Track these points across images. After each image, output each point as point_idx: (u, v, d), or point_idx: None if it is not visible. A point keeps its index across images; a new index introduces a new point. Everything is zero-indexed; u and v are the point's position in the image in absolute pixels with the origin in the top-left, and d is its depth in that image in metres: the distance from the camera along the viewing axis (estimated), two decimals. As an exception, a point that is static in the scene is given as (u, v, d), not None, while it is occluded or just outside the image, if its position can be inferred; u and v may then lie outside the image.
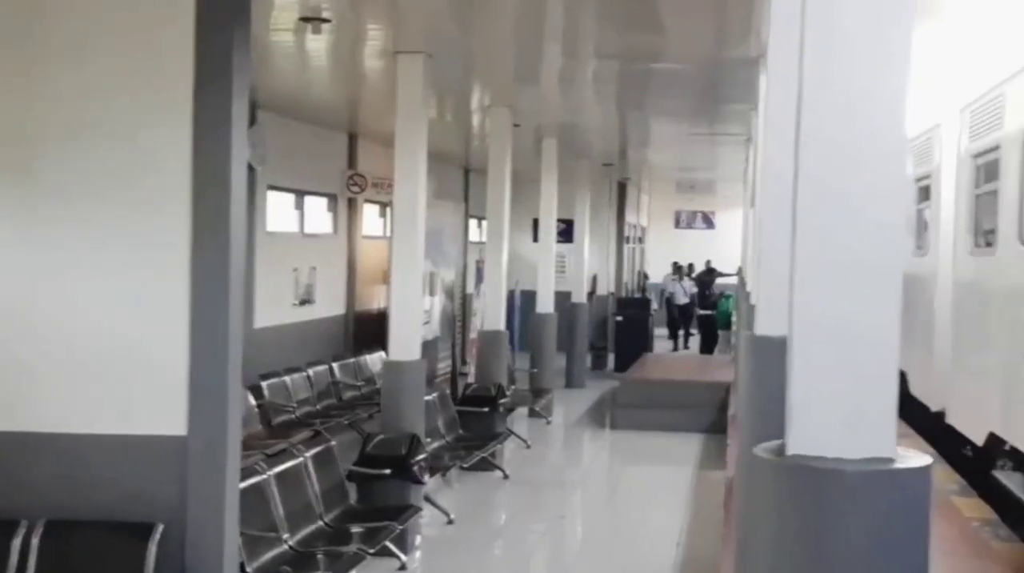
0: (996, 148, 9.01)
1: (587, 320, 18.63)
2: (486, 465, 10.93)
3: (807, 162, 2.74)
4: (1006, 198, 8.68)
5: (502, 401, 11.53)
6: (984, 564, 6.74)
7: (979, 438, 9.06)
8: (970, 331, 9.81)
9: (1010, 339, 7.91)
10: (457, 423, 11.18)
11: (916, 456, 2.81)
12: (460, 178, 21.00)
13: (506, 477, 10.99)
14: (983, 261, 9.37)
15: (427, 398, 10.29)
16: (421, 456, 8.34)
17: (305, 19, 7.73)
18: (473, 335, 21.02)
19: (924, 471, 2.75)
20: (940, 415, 10.67)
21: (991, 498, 8.13)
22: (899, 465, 2.74)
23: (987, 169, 9.58)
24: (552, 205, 15.69)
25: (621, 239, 24.82)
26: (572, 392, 17.28)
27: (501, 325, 11.93)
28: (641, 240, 31.33)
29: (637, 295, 26.00)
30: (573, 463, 13.07)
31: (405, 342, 8.34)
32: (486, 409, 11.20)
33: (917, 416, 11.73)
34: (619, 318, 19.83)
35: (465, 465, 10.19)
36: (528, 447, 12.76)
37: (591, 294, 21.63)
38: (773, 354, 5.84)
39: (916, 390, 13.04)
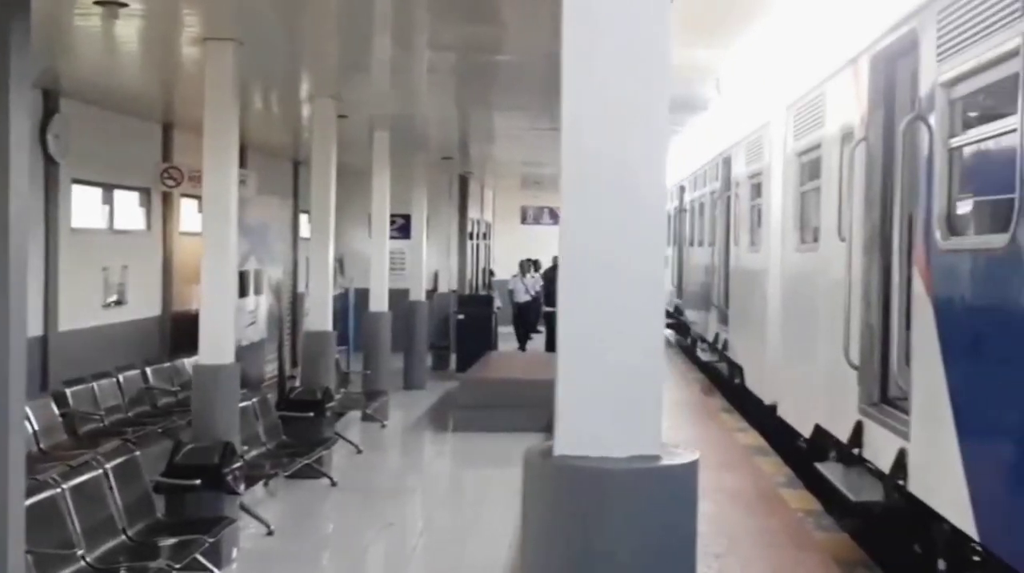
0: (818, 146, 9.41)
1: (426, 319, 18.64)
2: (312, 473, 10.82)
3: (570, 163, 2.81)
4: (827, 195, 9.07)
5: (329, 405, 11.42)
6: (804, 555, 7.05)
7: (806, 430, 9.45)
8: (797, 326, 10.21)
9: (831, 334, 8.25)
10: (280, 429, 11.03)
11: (683, 453, 2.93)
12: (289, 172, 20.72)
13: (334, 484, 10.91)
14: (808, 257, 9.77)
15: (246, 404, 10.13)
16: (236, 465, 8.20)
17: (100, 2, 7.49)
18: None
19: (690, 467, 2.87)
20: (775, 408, 11.09)
21: (817, 489, 8.51)
22: (665, 462, 2.84)
23: (811, 167, 9.99)
24: (385, 199, 15.64)
25: (464, 235, 24.91)
26: (411, 394, 17.26)
27: (327, 325, 11.82)
28: (486, 236, 31.53)
29: (482, 293, 26.13)
30: (407, 468, 13.06)
31: (217, 344, 8.19)
32: (311, 414, 11.08)
33: (756, 410, 12.18)
34: (460, 316, 19.92)
35: (287, 473, 10.06)
36: (359, 452, 12.69)
37: (432, 292, 21.63)
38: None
39: (751, 383, 13.52)
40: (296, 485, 10.66)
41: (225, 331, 8.27)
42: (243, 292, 16.68)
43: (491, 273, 30.39)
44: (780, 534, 7.53)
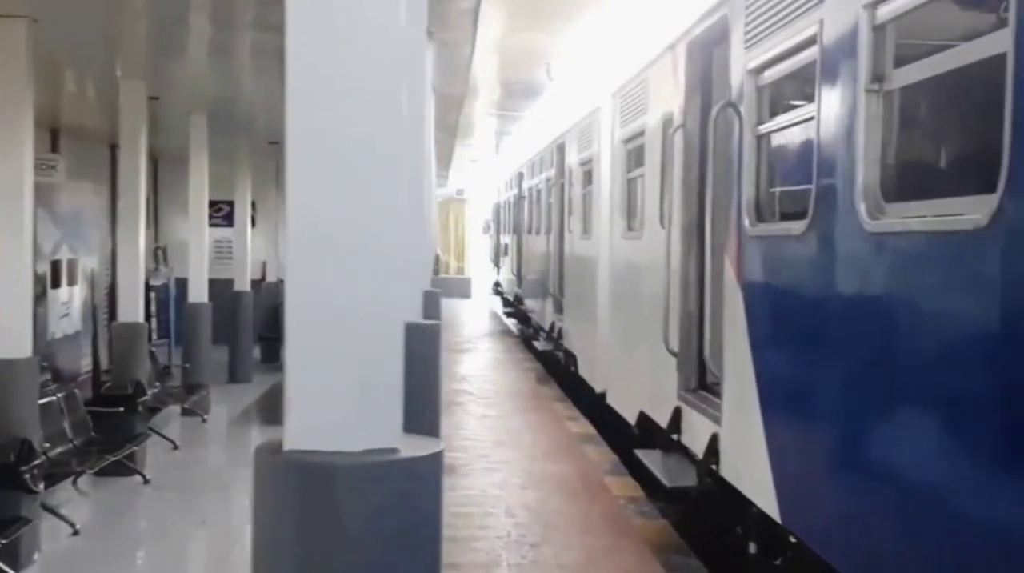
0: (641, 134, 9.63)
1: (251, 309, 18.30)
2: (124, 470, 10.53)
3: (295, 138, 2.71)
4: (650, 183, 9.29)
5: (141, 399, 11.11)
6: (621, 542, 7.21)
7: (632, 417, 9.68)
8: (624, 314, 10.44)
9: (654, 321, 8.45)
10: (89, 426, 10.68)
11: (424, 443, 2.87)
12: (107, 157, 20.05)
13: (147, 482, 10.63)
14: (634, 245, 9.99)
15: (50, 399, 9.78)
16: (35, 463, 7.91)
17: None
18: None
19: (432, 459, 2.79)
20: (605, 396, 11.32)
21: (642, 476, 8.70)
22: (404, 455, 2.77)
23: (636, 154, 10.21)
24: (203, 185, 15.28)
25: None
26: (236, 387, 16.93)
27: (138, 316, 11.51)
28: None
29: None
30: (225, 463, 12.80)
31: (12, 337, 7.88)
32: (121, 409, 10.76)
33: (591, 399, 12.40)
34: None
35: (94, 471, 9.75)
36: (176, 448, 12.40)
37: (260, 281, 21.25)
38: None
39: (583, 371, 13.78)
40: (107, 483, 10.35)
41: (21, 323, 7.97)
42: (56, 283, 16.12)
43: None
44: (599, 521, 7.69)
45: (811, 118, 5.21)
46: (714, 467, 6.73)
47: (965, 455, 3.74)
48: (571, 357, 14.62)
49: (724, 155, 7.03)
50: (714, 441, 6.76)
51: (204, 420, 14.25)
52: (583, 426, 11.65)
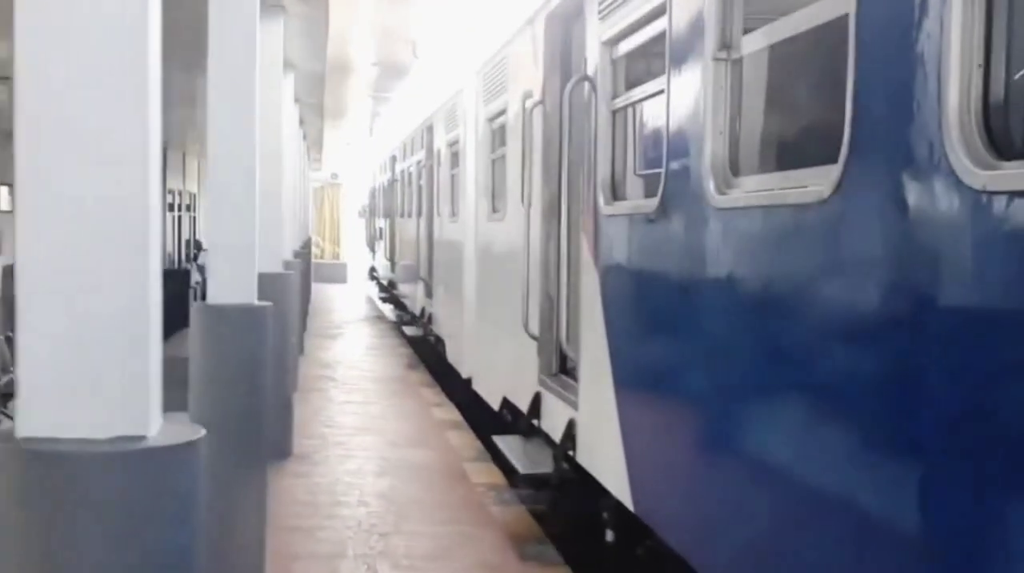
0: (503, 112, 9.36)
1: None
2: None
3: (25, 91, 2.44)
4: (512, 162, 9.04)
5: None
6: (477, 530, 6.95)
7: (495, 403, 9.44)
8: (489, 297, 10.20)
9: (515, 305, 8.23)
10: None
11: (181, 430, 2.65)
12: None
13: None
14: (497, 226, 9.74)
15: None
16: None
17: None
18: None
19: (186, 447, 2.56)
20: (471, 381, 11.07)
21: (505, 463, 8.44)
22: (153, 443, 2.54)
23: (499, 133, 9.96)
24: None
25: (162, 206, 23.78)
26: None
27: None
28: (190, 208, 30.33)
29: (186, 266, 25.07)
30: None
31: None
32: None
33: (460, 384, 12.12)
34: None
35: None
36: None
37: None
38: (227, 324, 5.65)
39: (451, 357, 13.52)
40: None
41: None
42: None
43: (199, 245, 29.21)
44: (457, 510, 7.42)
45: (662, 91, 5.00)
46: (571, 453, 6.52)
47: (816, 437, 3.56)
48: (441, 342, 14.35)
49: (580, 132, 6.81)
50: (571, 426, 6.55)
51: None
52: (449, 412, 11.38)
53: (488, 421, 10.04)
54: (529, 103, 7.90)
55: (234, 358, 5.49)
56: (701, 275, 4.57)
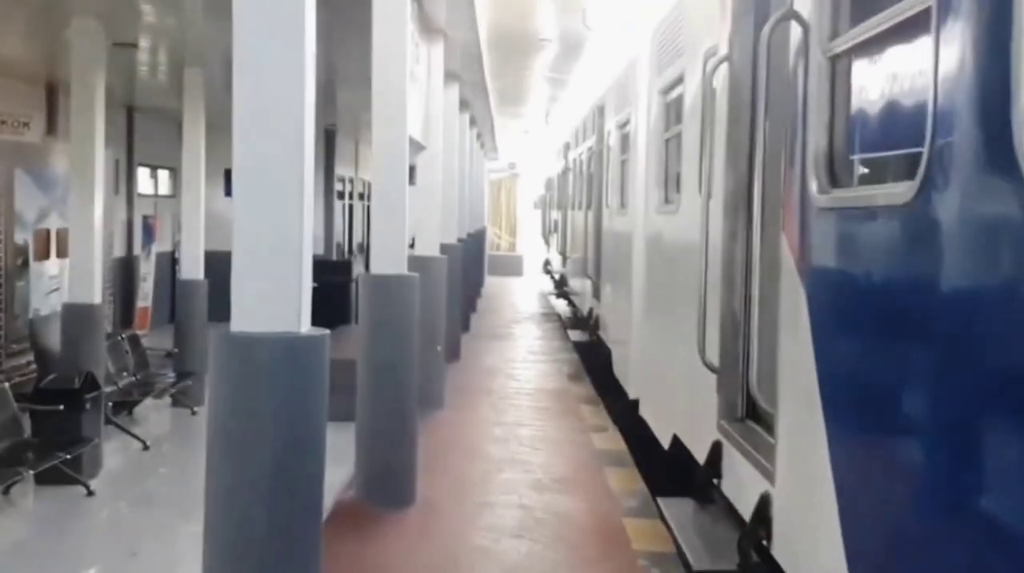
0: (680, 80, 7.45)
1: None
2: (66, 478, 8.73)
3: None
4: (688, 140, 7.13)
5: (91, 394, 9.22)
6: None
7: (665, 439, 7.58)
8: (659, 306, 8.31)
9: (689, 321, 6.38)
10: (21, 425, 8.92)
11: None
12: (122, 119, 18.31)
13: (90, 494, 8.76)
14: (670, 221, 7.84)
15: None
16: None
17: None
18: (143, 303, 18.49)
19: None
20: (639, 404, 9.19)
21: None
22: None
23: (675, 107, 8.04)
24: (198, 150, 13.33)
25: (330, 195, 22.69)
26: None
27: (93, 297, 9.61)
28: (363, 197, 29.25)
29: (343, 259, 23.93)
30: (196, 469, 10.89)
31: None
32: (61, 406, 8.87)
33: (629, 404, 10.23)
34: (314, 284, 17.68)
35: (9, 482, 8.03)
36: (146, 448, 10.52)
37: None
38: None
39: (618, 371, 11.65)
40: (47, 493, 8.61)
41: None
42: (43, 254, 14.33)
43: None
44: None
45: (924, 7, 3.04)
46: (765, 542, 4.60)
47: None
48: (609, 350, 12.47)
49: (781, 92, 4.88)
50: (764, 504, 4.63)
51: (194, 412, 12.29)
52: (612, 440, 9.53)
53: (662, 454, 8.09)
54: (712, 62, 5.96)
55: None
56: (999, 292, 2.62)
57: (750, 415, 5.69)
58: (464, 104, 16.47)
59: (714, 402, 5.82)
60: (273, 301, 4.38)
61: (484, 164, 31.50)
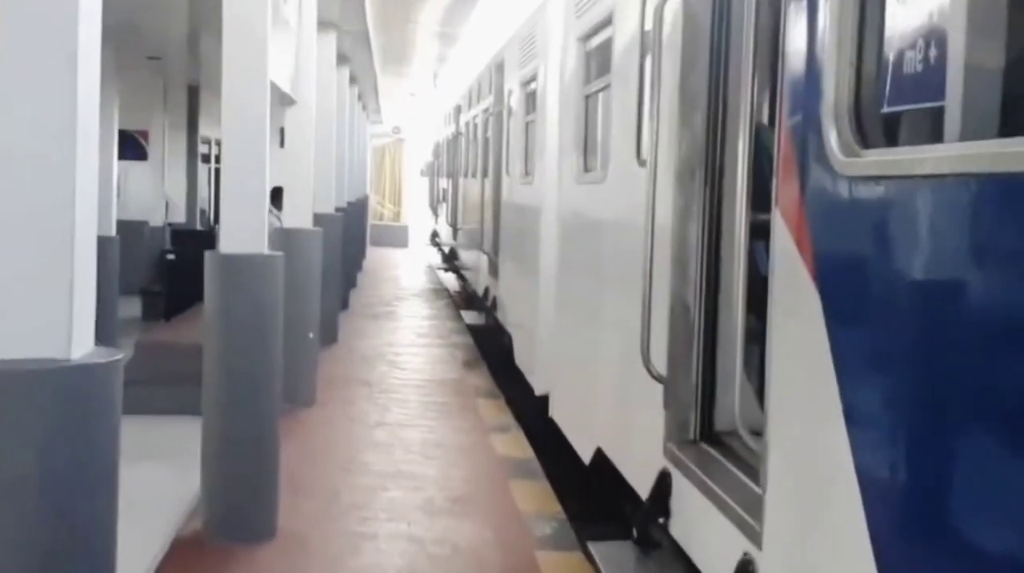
0: (608, 21, 6.34)
1: (118, 258, 14.84)
2: None
3: None
4: (620, 96, 6.03)
5: None
6: None
7: (585, 452, 6.52)
8: (577, 291, 7.23)
9: (625, 315, 5.33)
10: None
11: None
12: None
13: None
14: (593, 192, 6.75)
15: None
16: None
17: None
18: None
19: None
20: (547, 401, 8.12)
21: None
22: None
23: (599, 55, 6.94)
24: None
25: (193, 157, 21.14)
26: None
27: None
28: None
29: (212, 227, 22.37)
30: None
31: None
32: None
33: (534, 397, 9.11)
34: (171, 256, 16.19)
35: None
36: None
37: (142, 224, 18.19)
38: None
39: (521, 361, 10.58)
40: None
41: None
42: None
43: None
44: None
45: None
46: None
47: None
48: (508, 335, 11.38)
49: (767, 25, 3.81)
50: (746, 569, 3.57)
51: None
52: (516, 444, 8.44)
53: (577, 462, 7.01)
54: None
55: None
56: None
57: (705, 437, 4.66)
58: (343, 58, 15.13)
59: (659, 418, 4.76)
60: (25, 315, 3.08)
61: (367, 128, 30.08)
